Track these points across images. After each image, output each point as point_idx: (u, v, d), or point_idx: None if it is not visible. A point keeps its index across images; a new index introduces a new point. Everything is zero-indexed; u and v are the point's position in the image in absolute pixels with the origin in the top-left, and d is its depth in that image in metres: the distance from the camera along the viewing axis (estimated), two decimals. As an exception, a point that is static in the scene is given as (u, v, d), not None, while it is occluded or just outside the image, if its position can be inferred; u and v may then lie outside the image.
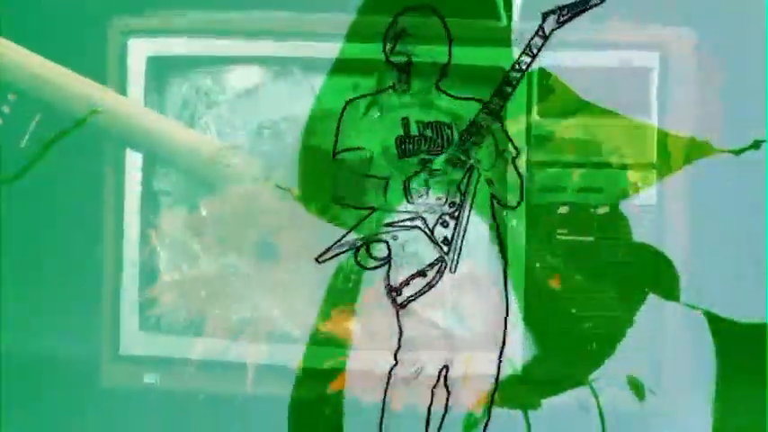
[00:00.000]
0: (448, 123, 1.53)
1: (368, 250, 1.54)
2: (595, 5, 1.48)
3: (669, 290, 1.49)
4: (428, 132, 1.52)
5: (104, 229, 1.59)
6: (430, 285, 1.52)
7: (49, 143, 1.61)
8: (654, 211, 1.50)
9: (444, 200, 1.51)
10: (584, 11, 1.48)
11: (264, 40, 1.58)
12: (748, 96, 1.48)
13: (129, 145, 1.60)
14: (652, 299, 1.49)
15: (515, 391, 1.51)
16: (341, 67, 1.56)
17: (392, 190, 1.53)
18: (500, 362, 1.51)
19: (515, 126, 1.52)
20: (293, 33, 1.57)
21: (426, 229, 1.51)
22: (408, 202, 1.52)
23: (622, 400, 1.50)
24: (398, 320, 1.53)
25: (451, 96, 1.53)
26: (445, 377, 1.53)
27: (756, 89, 1.47)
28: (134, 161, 1.60)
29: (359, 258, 1.53)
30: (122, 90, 1.59)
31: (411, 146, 1.52)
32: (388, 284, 1.53)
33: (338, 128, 1.54)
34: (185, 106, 1.61)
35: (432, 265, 1.52)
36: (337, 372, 1.55)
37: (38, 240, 1.62)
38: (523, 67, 1.50)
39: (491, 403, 1.51)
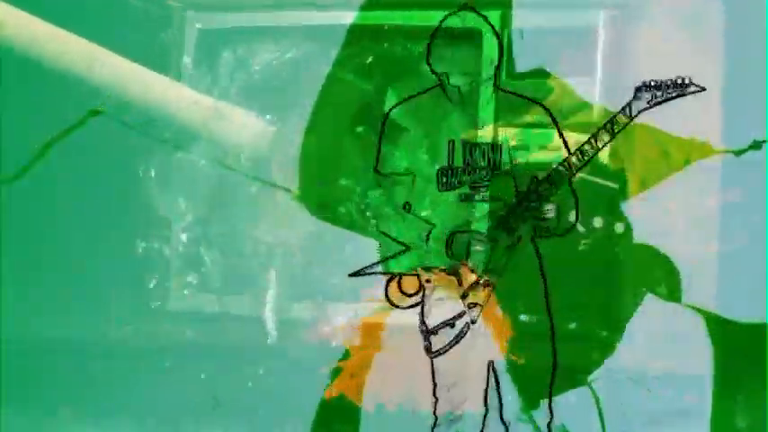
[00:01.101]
0: (495, 145, 1.47)
1: (399, 283, 1.50)
2: (694, 93, 1.41)
3: (669, 290, 1.49)
4: (473, 159, 1.45)
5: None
6: (459, 337, 1.48)
7: (49, 143, 1.61)
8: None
9: (485, 264, 1.46)
10: (681, 96, 1.41)
11: (312, 13, 1.58)
12: (748, 96, 1.48)
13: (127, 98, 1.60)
14: (652, 299, 1.49)
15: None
16: (354, 38, 1.54)
17: (435, 239, 1.49)
18: (552, 383, 1.50)
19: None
20: (339, 4, 1.56)
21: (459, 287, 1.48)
22: (448, 257, 1.48)
23: (622, 401, 1.50)
24: (432, 368, 1.49)
25: (514, 95, 1.47)
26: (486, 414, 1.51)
27: (756, 89, 1.47)
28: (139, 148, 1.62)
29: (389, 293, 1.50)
30: (178, 62, 1.61)
31: (453, 179, 1.46)
32: (423, 326, 1.49)
33: (380, 138, 1.51)
34: (232, 78, 1.61)
35: (460, 316, 1.48)
36: (336, 374, 1.55)
37: (39, 237, 1.63)
38: (600, 145, 1.43)
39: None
